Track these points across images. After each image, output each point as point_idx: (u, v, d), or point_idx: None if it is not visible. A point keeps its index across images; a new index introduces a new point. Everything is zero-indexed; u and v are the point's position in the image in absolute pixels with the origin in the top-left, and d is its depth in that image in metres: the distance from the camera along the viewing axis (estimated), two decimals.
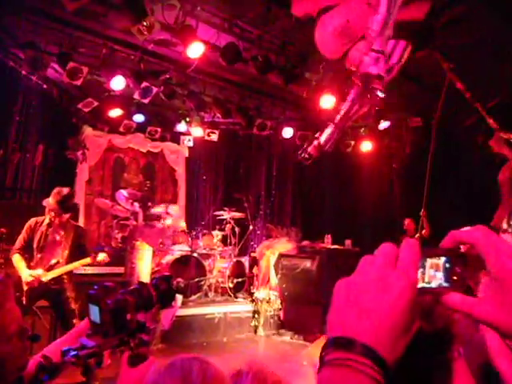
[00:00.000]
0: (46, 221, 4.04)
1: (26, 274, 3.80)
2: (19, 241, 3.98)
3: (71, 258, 4.03)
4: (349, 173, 8.34)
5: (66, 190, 4.07)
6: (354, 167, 8.10)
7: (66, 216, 4.09)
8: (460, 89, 4.26)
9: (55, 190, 4.05)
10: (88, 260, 4.07)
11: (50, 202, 4.04)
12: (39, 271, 3.84)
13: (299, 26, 4.60)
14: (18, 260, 3.90)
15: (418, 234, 6.16)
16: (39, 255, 3.94)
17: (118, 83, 5.56)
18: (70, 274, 4.05)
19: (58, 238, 4.03)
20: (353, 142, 7.74)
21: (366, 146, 7.66)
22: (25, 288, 3.76)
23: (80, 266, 4.18)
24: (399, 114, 6.88)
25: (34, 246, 3.96)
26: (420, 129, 6.82)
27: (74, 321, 3.83)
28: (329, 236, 6.99)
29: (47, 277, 3.85)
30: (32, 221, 4.07)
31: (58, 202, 3.99)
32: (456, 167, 6.17)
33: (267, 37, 5.16)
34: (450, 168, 5.88)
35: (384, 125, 6.99)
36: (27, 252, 3.96)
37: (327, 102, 5.80)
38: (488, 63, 5.14)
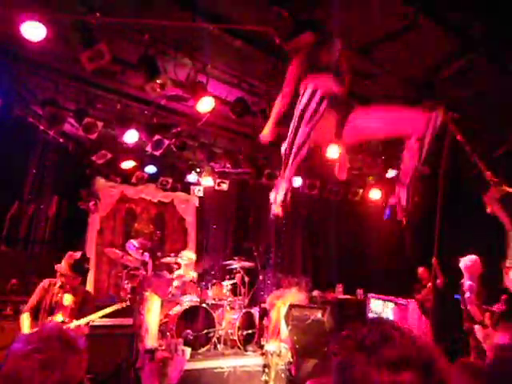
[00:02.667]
0: (59, 283, 4.08)
1: None
2: (31, 301, 4.02)
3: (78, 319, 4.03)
4: (358, 221, 8.34)
5: (78, 254, 4.14)
6: (363, 215, 8.10)
7: (78, 280, 4.13)
8: (460, 141, 4.34)
9: (67, 255, 4.12)
10: (111, 308, 4.08)
11: (62, 266, 4.09)
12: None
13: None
14: (25, 319, 3.90)
15: (430, 283, 6.04)
16: (46, 316, 3.94)
17: (131, 136, 5.77)
18: None
19: (68, 301, 4.06)
20: (361, 190, 7.79)
21: (375, 195, 7.70)
22: None
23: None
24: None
25: (43, 306, 3.97)
26: (428, 177, 6.86)
27: None
28: (340, 285, 6.88)
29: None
30: (45, 282, 4.12)
31: (71, 265, 4.05)
32: (463, 216, 6.15)
33: (274, 91, 5.37)
34: (458, 217, 5.86)
35: (392, 173, 7.06)
36: (37, 313, 3.97)
37: (333, 152, 5.92)
38: (493, 113, 5.26)
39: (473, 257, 4.91)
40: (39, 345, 1.36)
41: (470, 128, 5.34)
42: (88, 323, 4.10)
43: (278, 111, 3.52)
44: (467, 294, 5.12)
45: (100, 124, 5.38)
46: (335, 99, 3.17)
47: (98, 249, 7.52)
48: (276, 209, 3.87)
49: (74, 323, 3.94)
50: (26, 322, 3.86)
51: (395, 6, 3.66)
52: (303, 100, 3.07)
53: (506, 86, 4.54)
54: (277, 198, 3.78)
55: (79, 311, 4.08)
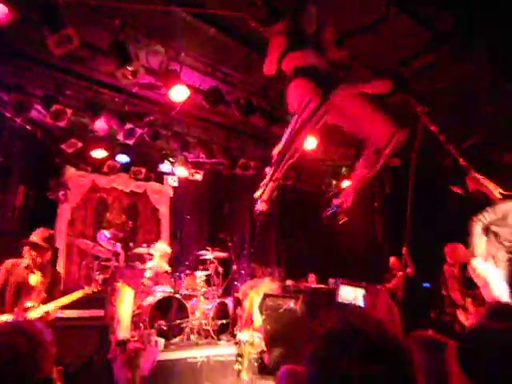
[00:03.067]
0: (24, 263, 3.92)
1: None
2: None
3: (45, 302, 3.89)
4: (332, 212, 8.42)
5: (51, 231, 4.03)
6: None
7: (49, 254, 3.99)
8: (433, 131, 4.46)
9: (39, 229, 3.99)
10: (81, 292, 3.96)
11: (33, 239, 3.93)
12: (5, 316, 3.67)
13: (278, 70, 4.78)
14: None
15: (400, 273, 6.20)
16: (12, 298, 3.78)
17: (102, 124, 5.64)
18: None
19: (35, 281, 3.91)
20: (334, 182, 7.88)
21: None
22: None
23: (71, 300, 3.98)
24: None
25: (8, 289, 3.77)
26: (399, 168, 6.99)
27: None
28: (312, 275, 6.96)
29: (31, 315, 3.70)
30: (8, 263, 3.89)
31: (44, 238, 3.91)
32: (437, 205, 6.30)
33: (249, 80, 5.34)
34: (431, 206, 6.00)
35: None
36: (2, 297, 3.79)
37: (308, 142, 5.95)
38: (461, 106, 5.39)
39: (455, 243, 5.07)
40: (2, 340, 1.33)
41: (439, 120, 5.48)
42: (57, 308, 3.93)
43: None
44: (449, 280, 5.28)
45: (69, 111, 5.23)
46: (320, 75, 3.17)
47: (68, 240, 7.37)
48: (260, 206, 3.92)
49: (42, 309, 3.79)
50: None
51: None
52: (300, 110, 3.13)
53: (473, 77, 4.65)
54: (263, 195, 3.83)
55: (48, 293, 3.92)
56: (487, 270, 3.93)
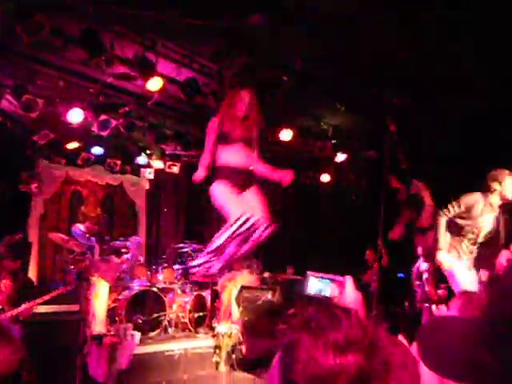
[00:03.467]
0: None
1: None
2: None
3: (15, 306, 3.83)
4: (310, 204, 8.49)
5: (17, 237, 3.94)
6: (314, 198, 8.26)
7: (17, 263, 3.93)
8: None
9: (5, 239, 3.92)
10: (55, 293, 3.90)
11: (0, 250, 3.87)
12: None
13: (255, 63, 4.78)
14: None
15: (375, 264, 6.30)
16: None
17: (75, 116, 5.51)
18: None
19: (4, 288, 3.84)
20: (311, 174, 7.92)
21: (325, 178, 7.86)
22: None
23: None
24: (355, 146, 7.14)
25: None
26: (375, 161, 7.09)
27: None
28: (291, 267, 7.01)
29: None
30: None
31: (9, 248, 3.85)
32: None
33: (225, 72, 5.30)
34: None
35: (341, 157, 7.22)
36: None
37: (285, 134, 5.97)
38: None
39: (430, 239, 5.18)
40: None
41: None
42: (31, 309, 3.89)
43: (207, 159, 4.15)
44: (425, 275, 5.40)
45: (41, 101, 5.08)
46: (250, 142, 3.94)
47: (41, 233, 7.20)
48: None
49: (14, 311, 3.74)
50: None
51: None
52: (235, 225, 3.84)
53: (453, 76, 4.73)
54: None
55: (19, 298, 3.88)
56: (452, 262, 4.04)
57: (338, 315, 0.81)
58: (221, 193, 3.97)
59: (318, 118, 6.62)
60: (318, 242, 8.22)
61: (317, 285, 1.43)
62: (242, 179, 4.04)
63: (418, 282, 5.63)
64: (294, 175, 4.28)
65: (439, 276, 5.06)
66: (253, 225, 3.75)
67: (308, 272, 1.41)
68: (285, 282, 6.47)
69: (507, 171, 4.08)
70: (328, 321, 0.80)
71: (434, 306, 4.99)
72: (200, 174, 4.05)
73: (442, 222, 4.08)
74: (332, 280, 1.33)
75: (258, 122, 3.98)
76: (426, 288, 4.09)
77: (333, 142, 7.02)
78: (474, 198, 4.09)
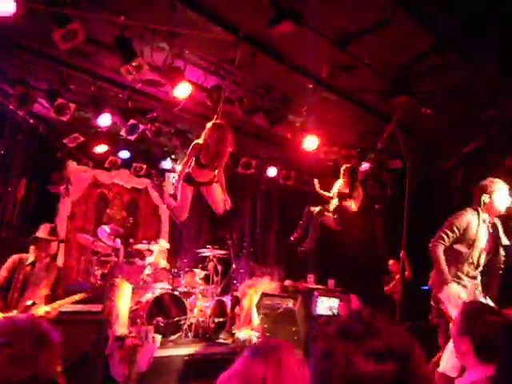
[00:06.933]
0: (30, 259, 3.92)
1: None
2: None
3: (48, 301, 3.90)
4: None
5: (52, 224, 4.06)
6: None
7: (54, 247, 4.02)
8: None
9: (42, 225, 4.03)
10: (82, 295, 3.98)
11: (39, 234, 3.96)
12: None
13: (282, 71, 4.80)
14: None
15: (398, 275, 6.19)
16: (16, 295, 3.77)
17: (104, 120, 5.64)
18: None
19: (39, 278, 3.92)
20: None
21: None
22: None
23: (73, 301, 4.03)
24: (380, 156, 7.07)
25: (13, 285, 3.77)
26: (400, 171, 6.98)
27: None
28: (311, 275, 6.96)
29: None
30: (15, 258, 3.90)
31: (49, 232, 3.94)
32: (434, 209, 6.30)
33: (252, 79, 5.34)
34: (429, 210, 6.00)
35: (365, 166, 7.14)
36: (4, 291, 3.78)
37: (310, 142, 5.96)
38: (463, 109, 5.39)
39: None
40: (10, 338, 1.28)
41: (441, 123, 5.48)
42: (56, 309, 3.94)
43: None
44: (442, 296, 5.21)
45: (72, 106, 5.23)
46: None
47: (68, 234, 7.37)
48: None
49: (44, 309, 3.81)
50: None
51: None
52: None
53: (476, 81, 4.64)
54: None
55: (52, 292, 3.95)
56: (461, 291, 3.74)
57: (375, 324, 0.83)
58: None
59: (344, 126, 6.59)
60: (339, 249, 8.14)
61: (325, 304, 1.45)
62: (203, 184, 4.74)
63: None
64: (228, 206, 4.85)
65: None
66: None
67: (315, 293, 1.43)
68: (306, 290, 6.42)
69: (496, 180, 3.76)
70: (365, 329, 0.82)
71: (451, 324, 4.84)
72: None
73: (440, 252, 3.72)
74: (339, 299, 1.33)
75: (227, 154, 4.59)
76: (441, 306, 3.83)
77: (358, 150, 6.97)
78: (467, 218, 3.75)
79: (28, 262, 3.91)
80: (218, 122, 4.58)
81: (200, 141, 4.48)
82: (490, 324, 1.84)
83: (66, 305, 3.94)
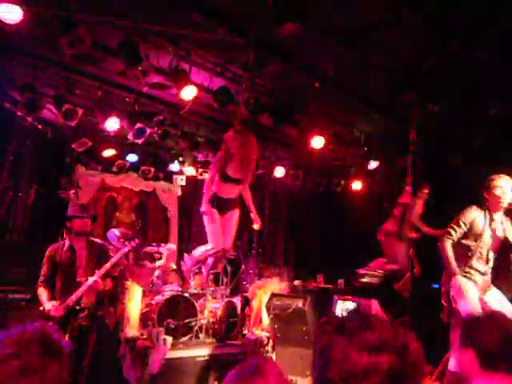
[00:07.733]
0: (66, 245, 3.92)
1: (48, 305, 3.67)
2: (42, 272, 3.85)
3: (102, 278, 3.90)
4: (340, 212, 8.40)
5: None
6: (345, 206, 8.17)
7: (88, 224, 4.01)
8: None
9: (72, 206, 4.06)
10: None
11: (71, 214, 4.00)
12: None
13: (287, 71, 4.80)
14: (41, 292, 3.77)
15: (408, 273, 6.15)
16: (67, 279, 3.81)
17: (112, 124, 5.68)
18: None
19: (83, 260, 3.93)
20: (343, 182, 7.85)
21: (356, 186, 7.76)
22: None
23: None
24: (388, 153, 7.04)
25: (59, 272, 3.82)
26: (408, 168, 6.94)
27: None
28: (321, 275, 6.95)
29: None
30: (51, 249, 3.93)
31: (81, 210, 3.99)
32: (444, 205, 6.26)
33: (258, 80, 5.34)
34: (438, 206, 5.96)
35: (373, 165, 7.12)
36: (51, 282, 3.82)
37: (317, 142, 5.95)
38: (472, 104, 5.35)
39: None
40: (18, 349, 1.24)
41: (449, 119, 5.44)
42: (104, 277, 3.93)
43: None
44: (452, 292, 5.18)
45: (80, 111, 5.28)
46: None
47: None
48: None
49: (90, 280, 3.81)
50: (43, 295, 3.75)
51: None
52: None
53: (482, 77, 4.62)
54: None
55: (98, 266, 3.93)
56: (468, 285, 3.76)
57: (370, 319, 0.85)
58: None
59: (351, 125, 6.57)
60: (348, 249, 8.11)
61: (343, 306, 1.45)
62: (227, 205, 4.65)
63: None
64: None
65: None
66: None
67: (335, 296, 1.43)
68: (316, 290, 6.41)
69: (499, 176, 3.79)
70: (360, 323, 0.84)
71: None
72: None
73: (448, 246, 3.80)
74: (358, 303, 1.35)
75: (256, 162, 4.51)
76: (453, 305, 3.81)
77: (365, 149, 6.95)
78: (472, 214, 3.82)
79: (65, 248, 3.92)
80: (238, 128, 4.40)
81: (222, 153, 4.31)
82: (493, 333, 1.81)
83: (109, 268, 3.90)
